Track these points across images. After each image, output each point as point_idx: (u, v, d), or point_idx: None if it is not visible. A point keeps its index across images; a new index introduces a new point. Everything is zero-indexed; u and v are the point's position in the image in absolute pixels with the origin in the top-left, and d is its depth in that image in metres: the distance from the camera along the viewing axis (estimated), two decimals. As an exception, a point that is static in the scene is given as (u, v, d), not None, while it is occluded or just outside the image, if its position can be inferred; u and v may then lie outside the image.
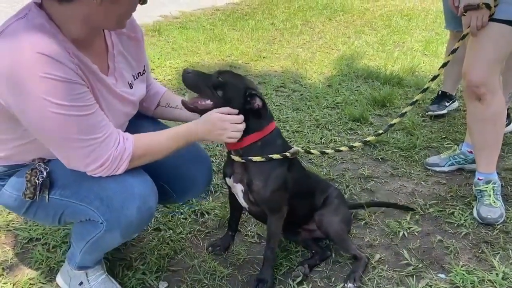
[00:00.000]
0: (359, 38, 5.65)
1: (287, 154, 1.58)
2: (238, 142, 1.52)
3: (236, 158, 1.57)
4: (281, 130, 3.01)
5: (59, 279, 1.65)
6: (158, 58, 4.28)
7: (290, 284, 1.68)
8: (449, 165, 2.51)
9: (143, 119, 1.71)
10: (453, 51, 2.01)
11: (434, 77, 2.00)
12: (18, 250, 1.83)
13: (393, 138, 2.94)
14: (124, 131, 1.41)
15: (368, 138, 2.03)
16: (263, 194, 1.55)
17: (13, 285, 1.65)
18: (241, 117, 1.49)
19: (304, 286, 1.69)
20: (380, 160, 2.70)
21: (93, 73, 1.29)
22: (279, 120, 3.20)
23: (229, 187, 1.72)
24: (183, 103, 1.51)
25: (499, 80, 1.99)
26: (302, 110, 3.41)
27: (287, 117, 3.26)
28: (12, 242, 1.88)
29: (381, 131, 1.99)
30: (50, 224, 1.54)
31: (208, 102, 1.49)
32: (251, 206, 1.66)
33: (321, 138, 2.94)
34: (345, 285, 1.69)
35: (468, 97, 2.02)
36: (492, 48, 1.88)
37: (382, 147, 2.84)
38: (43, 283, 1.68)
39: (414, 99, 2.00)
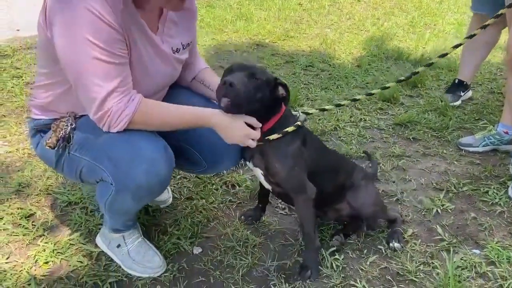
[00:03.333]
0: (388, 20, 5.53)
1: (299, 123, 1.54)
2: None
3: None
4: (310, 108, 3.01)
5: (98, 241, 1.71)
6: (187, 36, 4.30)
7: (324, 255, 1.69)
8: (484, 146, 2.46)
9: (182, 89, 1.73)
10: (470, 37, 1.93)
11: (443, 55, 1.90)
12: (57, 213, 1.90)
13: (424, 119, 2.89)
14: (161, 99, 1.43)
15: (389, 84, 1.88)
16: (281, 174, 1.53)
17: (54, 244, 1.72)
18: (259, 134, 1.46)
19: (336, 256, 1.70)
20: (412, 139, 2.66)
21: (140, 26, 1.32)
22: (307, 99, 3.18)
23: None
24: (222, 105, 1.38)
25: None
26: (331, 89, 3.38)
27: (316, 95, 3.24)
28: (52, 205, 1.95)
29: (402, 78, 1.91)
30: (77, 181, 1.59)
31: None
32: (274, 187, 1.63)
33: (350, 117, 2.92)
34: (391, 245, 1.72)
35: (510, 71, 1.96)
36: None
37: (413, 127, 2.80)
38: (82, 243, 1.74)
39: (431, 61, 1.92)
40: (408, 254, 1.70)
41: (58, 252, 1.69)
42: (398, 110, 3.06)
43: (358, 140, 2.63)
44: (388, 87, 1.89)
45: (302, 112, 1.64)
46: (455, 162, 2.40)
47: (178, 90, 1.73)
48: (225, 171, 2.19)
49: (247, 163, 1.63)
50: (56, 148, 1.41)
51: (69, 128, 1.40)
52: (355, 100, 1.89)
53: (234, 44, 4.30)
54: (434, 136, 2.69)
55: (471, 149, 2.49)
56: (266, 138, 1.49)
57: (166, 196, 2.02)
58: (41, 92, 1.47)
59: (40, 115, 1.50)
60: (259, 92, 1.40)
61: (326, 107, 1.83)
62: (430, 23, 5.48)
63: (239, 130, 1.40)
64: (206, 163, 1.65)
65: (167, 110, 1.40)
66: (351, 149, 2.49)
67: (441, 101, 3.10)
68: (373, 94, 1.88)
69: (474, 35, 1.96)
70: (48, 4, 1.21)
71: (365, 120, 2.90)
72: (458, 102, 3.16)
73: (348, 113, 2.98)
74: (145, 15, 1.34)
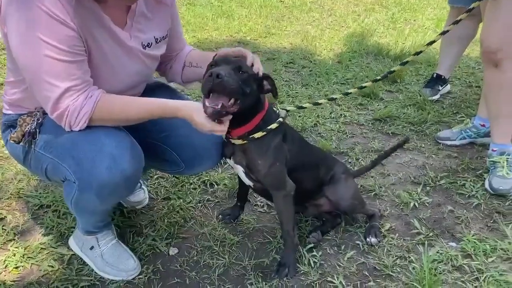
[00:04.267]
0: (369, 16, 5.56)
1: (281, 119, 1.52)
2: (243, 127, 1.45)
3: (238, 142, 1.49)
4: (290, 105, 2.99)
5: (71, 243, 1.67)
6: (166, 34, 4.25)
7: (301, 251, 1.68)
8: (461, 139, 2.48)
9: (165, 89, 1.69)
10: (443, 33, 1.93)
11: (418, 53, 1.91)
12: (29, 217, 1.85)
13: (403, 113, 2.90)
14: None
15: (365, 84, 1.87)
16: (262, 171, 1.50)
17: (25, 249, 1.67)
18: (225, 129, 1.39)
19: (314, 253, 1.68)
20: (391, 134, 2.67)
21: (101, 21, 1.27)
22: (288, 95, 3.17)
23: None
24: (207, 111, 1.30)
25: None
26: (312, 86, 3.37)
27: (296, 92, 3.23)
28: (23, 209, 1.90)
29: (378, 77, 1.90)
30: (45, 180, 1.55)
31: (232, 101, 1.32)
32: (255, 184, 1.61)
33: (330, 113, 2.91)
34: (368, 240, 1.72)
35: (485, 64, 1.98)
36: (510, 13, 1.83)
37: (392, 121, 2.81)
38: (54, 247, 1.69)
39: (406, 60, 1.91)
40: (385, 249, 1.70)
41: (28, 257, 1.64)
42: (378, 105, 3.06)
43: (338, 136, 2.63)
44: (365, 87, 1.88)
45: (281, 109, 1.63)
46: (433, 156, 2.41)
47: (159, 89, 1.70)
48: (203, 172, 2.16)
49: (228, 160, 1.61)
50: (21, 143, 1.38)
51: (35, 123, 1.36)
52: (332, 99, 1.88)
53: (215, 42, 4.26)
54: (412, 131, 2.70)
55: (448, 142, 2.50)
56: (251, 136, 1.47)
57: (142, 196, 1.98)
58: (9, 88, 1.44)
59: (9, 110, 1.47)
60: (246, 85, 1.35)
61: (304, 105, 1.82)
62: (410, 18, 5.52)
63: (203, 125, 1.35)
64: (184, 164, 1.61)
65: (131, 104, 1.36)
66: (330, 145, 2.48)
67: (420, 96, 3.12)
68: (350, 93, 1.87)
69: (447, 31, 1.96)
70: (2, 1, 1.17)
71: (345, 116, 2.90)
72: (437, 96, 3.18)
73: (328, 109, 2.97)
74: (109, 10, 1.29)
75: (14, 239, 1.72)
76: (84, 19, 1.23)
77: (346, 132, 2.68)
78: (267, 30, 4.68)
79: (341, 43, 4.42)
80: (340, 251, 1.71)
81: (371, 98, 3.15)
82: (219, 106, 1.29)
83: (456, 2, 2.89)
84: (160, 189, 2.09)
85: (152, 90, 1.69)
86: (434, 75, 3.23)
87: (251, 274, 1.59)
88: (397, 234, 1.78)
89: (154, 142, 1.62)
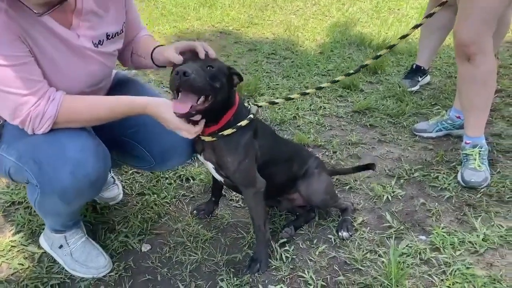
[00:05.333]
0: (353, 5, 5.54)
1: (251, 116, 1.51)
2: (213, 125, 1.45)
3: (207, 138, 1.48)
4: (271, 98, 2.99)
5: (41, 241, 1.66)
6: (146, 24, 4.15)
7: (273, 246, 1.68)
8: (437, 131, 2.50)
9: (131, 83, 1.66)
10: (429, 15, 1.94)
11: (403, 36, 1.91)
12: (0, 213, 1.83)
13: (382, 105, 2.91)
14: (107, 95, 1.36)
15: (338, 78, 1.88)
16: (231, 168, 1.50)
17: (-5, 247, 1.65)
18: (192, 128, 1.38)
19: (286, 248, 1.69)
20: (369, 126, 2.68)
21: (41, 23, 1.22)
22: (268, 87, 3.15)
23: None
24: (177, 114, 1.28)
25: (490, 40, 1.94)
26: (293, 77, 3.36)
27: (277, 84, 3.22)
28: (-6, 206, 1.88)
29: (351, 71, 1.90)
30: (10, 180, 1.52)
31: (201, 99, 1.31)
32: (225, 180, 1.61)
33: (310, 105, 2.91)
34: (340, 234, 1.74)
35: (458, 57, 1.99)
36: (485, 7, 1.83)
37: (371, 113, 2.82)
38: (24, 245, 1.68)
39: (378, 54, 1.92)
40: (356, 243, 1.71)
41: (-2, 255, 1.63)
42: (358, 97, 3.07)
43: (316, 129, 2.63)
44: (338, 81, 1.87)
45: (253, 104, 1.61)
46: (409, 148, 2.43)
47: (128, 84, 1.67)
48: (177, 166, 2.15)
49: (198, 156, 1.60)
50: None
51: None
52: (304, 94, 1.88)
53: (197, 32, 4.21)
54: (390, 123, 2.71)
55: (425, 134, 2.52)
56: (220, 133, 1.46)
57: (116, 192, 1.97)
58: None
59: None
60: (215, 81, 1.33)
61: (277, 100, 1.81)
62: (394, 7, 5.51)
63: (170, 122, 1.34)
64: (154, 160, 1.60)
65: (95, 104, 1.34)
66: (308, 138, 2.49)
67: (400, 87, 3.13)
68: (323, 87, 1.87)
69: (433, 13, 1.95)
70: None
71: (325, 108, 2.90)
72: (416, 87, 3.19)
73: (308, 101, 2.97)
74: (55, 10, 1.23)
75: (-16, 237, 1.70)
76: (22, 22, 1.17)
77: (325, 125, 2.68)
78: (250, 20, 4.64)
79: (324, 33, 4.40)
80: (312, 245, 1.72)
81: (351, 90, 3.16)
82: (189, 109, 1.28)
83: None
84: (134, 184, 2.08)
85: (121, 85, 1.67)
86: (414, 66, 3.24)
87: (223, 270, 1.60)
88: (368, 228, 1.80)
89: (123, 139, 1.60)
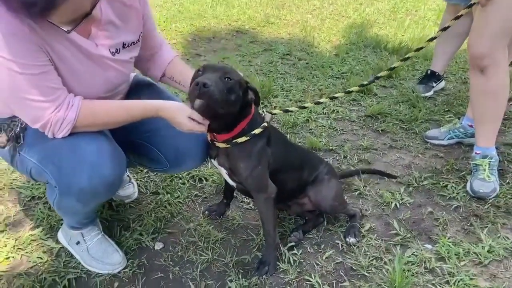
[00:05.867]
0: (371, 5, 5.51)
1: (265, 124, 1.56)
2: (227, 133, 1.50)
3: (221, 145, 1.53)
4: (284, 100, 3.03)
5: (60, 236, 1.74)
6: (164, 21, 4.24)
7: (282, 250, 1.73)
8: (448, 139, 2.51)
9: (148, 89, 1.72)
10: (445, 29, 1.96)
11: (419, 49, 1.95)
12: (20, 208, 1.91)
13: (395, 110, 2.92)
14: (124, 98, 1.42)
15: (352, 89, 1.95)
16: (243, 174, 1.55)
17: (15, 240, 1.74)
18: (205, 128, 1.46)
19: (294, 251, 1.74)
20: (381, 131, 2.70)
21: (62, 34, 1.26)
22: (282, 89, 3.19)
23: None
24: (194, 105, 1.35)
25: (505, 53, 1.95)
26: (307, 79, 3.38)
27: (290, 86, 3.25)
28: (15, 200, 1.96)
29: (365, 82, 1.96)
30: (31, 180, 1.61)
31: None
32: (237, 185, 1.66)
33: (323, 109, 2.94)
34: (347, 239, 1.77)
35: (472, 69, 2.00)
36: (499, 21, 1.83)
37: (383, 118, 2.84)
38: (43, 239, 1.76)
39: (392, 66, 1.96)
40: (363, 249, 1.75)
41: (18, 248, 1.71)
42: (371, 101, 3.08)
43: (328, 133, 2.66)
44: (352, 92, 1.91)
45: (267, 112, 1.66)
46: (420, 155, 2.44)
47: (145, 88, 1.73)
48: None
49: (212, 161, 1.65)
50: (6, 147, 1.42)
51: (18, 128, 1.40)
52: (318, 103, 1.93)
53: (213, 30, 4.26)
54: (402, 129, 2.73)
55: (436, 142, 2.53)
56: (234, 141, 1.51)
57: (131, 191, 2.04)
58: None
59: None
60: (232, 93, 1.39)
61: (291, 108, 1.87)
62: (411, 9, 5.47)
63: (183, 125, 1.41)
64: (169, 163, 1.65)
65: (111, 108, 1.40)
66: (320, 142, 2.52)
67: (413, 92, 3.13)
68: (337, 97, 1.91)
69: (448, 27, 1.99)
70: None
71: (338, 111, 2.92)
72: (430, 93, 3.19)
73: (321, 104, 2.99)
74: None
75: (6, 230, 1.79)
76: (44, 34, 1.22)
77: (337, 129, 2.71)
78: (266, 19, 4.66)
79: (340, 34, 4.40)
80: (319, 250, 1.77)
81: (365, 94, 3.17)
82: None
83: (451, -1, 2.88)
84: (149, 183, 2.15)
85: (138, 89, 1.72)
86: (428, 72, 3.23)
87: (232, 271, 1.66)
88: (376, 235, 1.83)
89: (139, 141, 1.66)
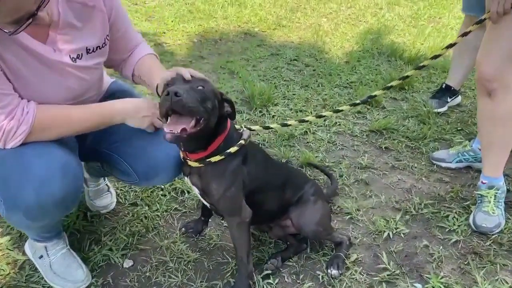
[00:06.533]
0: (391, 10, 5.28)
1: (242, 141, 1.43)
2: (202, 152, 1.38)
3: (194, 164, 1.41)
4: (284, 109, 2.89)
5: (26, 248, 1.66)
6: (172, 21, 4.15)
7: (256, 278, 1.60)
8: (457, 162, 2.32)
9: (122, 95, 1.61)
10: (465, 34, 1.79)
11: (435, 56, 1.80)
12: (-8, 214, 1.84)
13: (403, 126, 2.74)
14: None
15: (343, 107, 1.83)
16: (215, 195, 1.43)
17: (-20, 249, 1.67)
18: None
19: (270, 280, 1.61)
20: (384, 149, 2.53)
21: (9, 38, 1.16)
22: (284, 97, 3.05)
23: None
24: (166, 137, 1.22)
25: None
26: (311, 87, 3.23)
27: (293, 94, 3.10)
28: (-12, 205, 1.89)
29: (358, 101, 1.82)
30: None
31: (192, 122, 1.24)
32: (211, 206, 1.55)
33: (324, 120, 2.78)
34: (329, 271, 1.63)
35: (479, 91, 1.82)
36: (510, 40, 1.65)
37: (389, 134, 2.66)
38: (10, 249, 1.69)
39: (405, 75, 1.81)
40: (345, 283, 1.60)
41: (-19, 258, 1.64)
42: (378, 114, 2.91)
43: (326, 147, 2.51)
44: (341, 110, 1.77)
45: (246, 128, 1.53)
46: (423, 178, 2.26)
47: (123, 94, 1.62)
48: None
49: (185, 178, 1.54)
50: None
51: None
52: (303, 121, 1.79)
53: (221, 32, 4.14)
54: (408, 147, 2.55)
55: (443, 164, 2.35)
56: (208, 160, 1.39)
57: (109, 200, 1.95)
58: None
59: None
60: (206, 101, 1.27)
61: (272, 125, 1.73)
62: (435, 15, 5.21)
63: (148, 106, 1.39)
64: (138, 176, 1.54)
65: (69, 113, 1.31)
66: (316, 157, 2.37)
67: (425, 107, 2.94)
68: (324, 116, 1.77)
69: (469, 32, 1.85)
70: None
71: (340, 124, 2.76)
72: (444, 109, 2.99)
73: (323, 117, 2.83)
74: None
75: (-28, 237, 1.72)
76: None
77: (337, 143, 2.55)
78: (277, 22, 4.51)
79: (353, 40, 4.22)
80: (298, 281, 1.63)
81: (372, 106, 3.00)
82: (179, 130, 1.21)
83: (469, 11, 2.68)
84: (129, 193, 2.05)
85: (115, 95, 1.60)
86: (444, 86, 3.03)
87: (200, 298, 1.54)
88: (361, 268, 1.68)
89: (108, 152, 1.56)
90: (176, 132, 1.21)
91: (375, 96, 1.78)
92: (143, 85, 1.61)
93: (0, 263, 1.63)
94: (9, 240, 1.73)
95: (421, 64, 1.88)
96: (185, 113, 1.22)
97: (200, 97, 1.25)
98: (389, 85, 1.81)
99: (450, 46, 1.87)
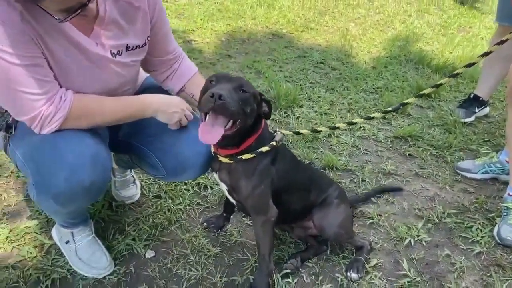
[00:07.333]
0: (421, 18, 5.23)
1: (274, 143, 1.45)
2: (234, 148, 1.41)
3: (224, 159, 1.44)
4: (309, 111, 2.89)
5: (53, 233, 1.71)
6: (201, 19, 4.20)
7: (275, 276, 1.61)
8: (483, 173, 2.28)
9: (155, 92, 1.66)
10: (501, 42, 1.77)
11: (470, 65, 1.79)
12: (22, 198, 1.91)
13: (428, 134, 2.71)
14: None
15: (374, 115, 1.83)
16: (244, 193, 1.45)
17: (10, 231, 1.73)
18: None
19: (289, 279, 1.62)
20: (408, 156, 2.50)
21: (58, 28, 1.21)
22: (309, 99, 3.05)
23: None
24: (201, 138, 1.26)
25: None
26: (337, 91, 3.22)
27: (318, 96, 3.10)
28: (19, 189, 1.96)
29: (389, 109, 1.81)
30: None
31: (230, 124, 1.29)
32: (237, 203, 1.57)
33: (348, 124, 2.76)
34: (348, 274, 1.64)
35: (509, 101, 1.78)
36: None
37: (413, 142, 2.63)
38: (37, 233, 1.74)
39: (438, 83, 1.80)
40: (364, 287, 1.60)
41: (11, 239, 1.70)
42: (403, 121, 2.88)
43: (350, 151, 2.50)
44: (373, 118, 1.77)
45: (279, 131, 1.55)
46: (447, 187, 2.23)
47: (155, 91, 1.66)
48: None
49: (214, 174, 1.56)
50: (1, 136, 1.40)
51: (11, 118, 1.37)
52: (334, 127, 1.79)
53: (249, 32, 4.17)
54: (433, 155, 2.51)
55: (468, 175, 2.31)
56: (239, 157, 1.41)
57: (133, 192, 1.99)
58: None
59: None
60: (247, 105, 1.30)
61: (302, 131, 1.75)
62: (465, 25, 5.13)
63: (180, 102, 1.46)
64: (166, 171, 1.57)
65: (105, 103, 1.34)
66: (339, 160, 2.37)
67: (452, 116, 2.90)
68: (355, 123, 1.77)
69: (506, 40, 1.83)
70: None
71: (364, 129, 2.75)
72: (471, 119, 2.94)
73: (347, 119, 2.83)
74: (77, 17, 1.21)
75: (3, 219, 1.78)
76: (36, 25, 1.17)
77: (360, 148, 2.54)
78: (305, 24, 4.52)
79: (381, 46, 4.19)
80: (316, 282, 1.63)
81: (397, 113, 2.97)
82: (220, 136, 1.26)
83: (503, 21, 2.63)
84: (153, 186, 2.09)
85: (148, 92, 1.65)
86: (472, 96, 2.98)
87: (219, 292, 1.56)
88: (381, 273, 1.67)
89: (139, 145, 1.59)
90: (216, 138, 1.26)
91: (407, 103, 1.77)
92: (187, 100, 1.64)
93: (27, 245, 1.69)
94: (37, 225, 1.78)
95: (455, 72, 1.85)
96: (226, 116, 1.26)
97: (241, 101, 1.28)
98: (422, 92, 1.80)
99: (486, 54, 1.84)
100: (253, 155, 1.42)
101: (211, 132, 1.26)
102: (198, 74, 1.68)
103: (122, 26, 1.36)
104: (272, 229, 1.53)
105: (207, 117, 1.28)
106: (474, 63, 1.84)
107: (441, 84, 1.93)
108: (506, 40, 1.84)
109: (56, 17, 1.15)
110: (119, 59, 1.39)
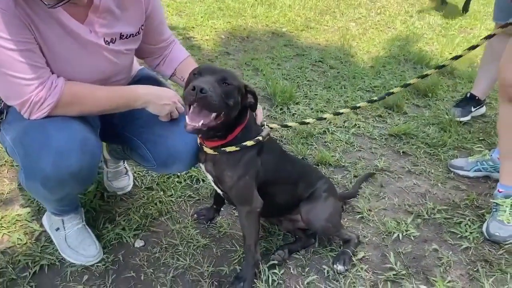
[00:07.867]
0: (422, 19, 5.21)
1: (260, 138, 1.46)
2: (220, 140, 1.42)
3: (209, 151, 1.45)
4: (305, 108, 2.90)
5: (44, 220, 1.73)
6: (201, 17, 4.22)
7: (262, 267, 1.62)
8: (475, 171, 2.28)
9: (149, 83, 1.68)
10: (489, 37, 1.76)
11: (456, 57, 1.78)
12: (15, 186, 1.93)
13: (423, 132, 2.71)
14: None
15: (360, 104, 1.81)
16: (228, 183, 1.46)
17: (1, 218, 1.75)
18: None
19: (275, 270, 1.63)
20: (401, 153, 2.51)
21: (52, 14, 1.23)
22: (305, 97, 3.06)
23: None
24: (186, 128, 1.28)
25: None
26: (334, 89, 3.23)
27: (315, 94, 3.11)
28: (13, 178, 1.99)
29: (375, 98, 1.81)
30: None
31: (213, 116, 1.30)
32: (224, 193, 1.59)
33: (344, 122, 2.78)
34: (335, 266, 1.65)
35: (501, 97, 1.79)
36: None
37: (408, 140, 2.64)
38: (28, 221, 1.76)
39: (424, 73, 1.79)
40: (349, 280, 1.61)
41: (2, 226, 1.72)
42: (398, 119, 2.88)
43: (343, 148, 2.51)
44: (359, 107, 1.77)
45: (267, 125, 1.57)
46: (439, 184, 2.23)
47: (149, 82, 1.68)
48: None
49: (200, 165, 1.58)
50: None
51: (2, 104, 1.39)
52: (321, 118, 1.80)
53: (249, 30, 4.19)
54: (426, 153, 2.52)
55: (461, 172, 2.31)
56: (223, 149, 1.43)
57: (126, 183, 2.01)
58: None
59: None
60: (230, 98, 1.31)
61: (290, 123, 1.76)
62: (466, 26, 5.11)
63: (173, 95, 1.47)
64: (156, 162, 1.59)
65: (94, 92, 1.36)
66: (332, 156, 2.38)
67: (448, 115, 2.90)
68: (342, 113, 1.78)
69: (494, 35, 1.84)
70: None
71: (359, 126, 2.75)
72: (467, 118, 2.94)
73: (343, 116, 2.84)
74: (72, 4, 1.25)
75: (-5, 207, 1.81)
76: (29, 11, 1.19)
77: (354, 145, 2.55)
78: (306, 23, 4.53)
79: (380, 45, 4.19)
80: (303, 273, 1.65)
81: (393, 111, 2.98)
82: (200, 124, 1.27)
83: (500, 19, 2.63)
84: (146, 177, 2.11)
85: (142, 83, 1.67)
86: (468, 95, 2.98)
87: (206, 281, 1.58)
88: (368, 265, 1.68)
89: (131, 136, 1.61)
90: (197, 125, 1.26)
91: (393, 93, 1.77)
92: (179, 84, 1.68)
93: (18, 232, 1.71)
94: (29, 212, 1.81)
95: (441, 64, 1.84)
96: (208, 109, 1.27)
97: (224, 94, 1.28)
98: (408, 83, 1.80)
99: (472, 48, 1.83)
100: (237, 148, 1.43)
101: (191, 123, 1.27)
102: (190, 58, 1.71)
103: (116, 14, 1.38)
104: (257, 220, 1.54)
105: (191, 109, 1.29)
106: (460, 56, 1.81)
107: (427, 75, 1.90)
108: (494, 34, 1.84)
109: (46, 2, 1.17)
110: (113, 46, 1.41)
